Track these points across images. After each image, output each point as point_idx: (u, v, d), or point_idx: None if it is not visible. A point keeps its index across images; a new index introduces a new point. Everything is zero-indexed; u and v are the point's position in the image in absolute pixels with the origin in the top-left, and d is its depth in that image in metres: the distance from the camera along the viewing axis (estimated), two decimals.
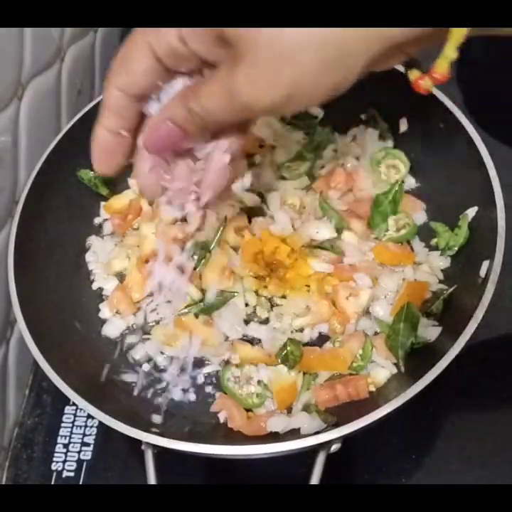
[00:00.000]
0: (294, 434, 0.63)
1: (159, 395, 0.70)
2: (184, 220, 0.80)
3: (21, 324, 0.66)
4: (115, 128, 0.50)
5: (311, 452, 0.57)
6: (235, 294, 0.73)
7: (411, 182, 0.80)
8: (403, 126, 0.81)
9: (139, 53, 0.46)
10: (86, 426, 0.75)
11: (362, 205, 0.78)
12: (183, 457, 0.59)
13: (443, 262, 0.72)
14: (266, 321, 0.73)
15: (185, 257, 0.66)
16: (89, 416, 0.75)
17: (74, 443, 0.74)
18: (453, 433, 0.70)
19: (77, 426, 0.75)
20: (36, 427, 0.76)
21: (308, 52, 0.39)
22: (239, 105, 0.42)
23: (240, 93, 0.42)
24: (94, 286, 0.79)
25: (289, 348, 0.67)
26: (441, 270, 0.72)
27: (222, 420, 0.67)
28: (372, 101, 0.80)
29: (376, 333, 0.70)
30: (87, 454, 0.73)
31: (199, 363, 0.72)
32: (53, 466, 0.72)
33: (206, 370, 0.71)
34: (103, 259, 0.80)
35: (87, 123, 0.81)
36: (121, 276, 0.79)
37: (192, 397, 0.70)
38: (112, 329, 0.75)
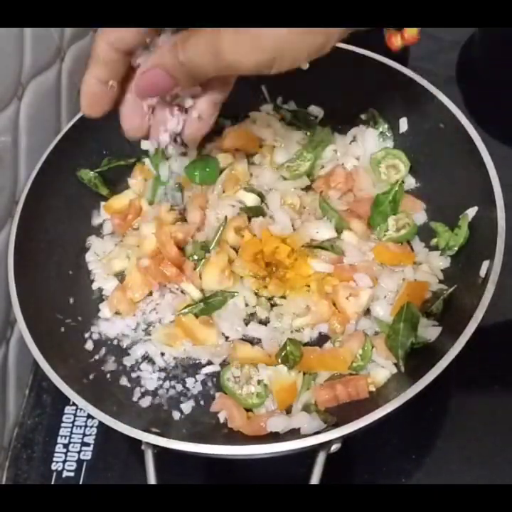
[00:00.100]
0: (294, 434, 0.63)
1: (159, 395, 0.70)
2: (184, 220, 0.80)
3: (21, 324, 0.66)
4: (104, 78, 0.54)
5: (311, 452, 0.57)
6: (235, 294, 0.73)
7: (411, 182, 0.80)
8: (403, 126, 0.81)
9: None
10: (86, 426, 0.75)
11: (362, 205, 0.78)
12: (183, 457, 0.59)
13: (443, 262, 0.72)
14: (266, 321, 0.73)
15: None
16: (89, 416, 0.75)
17: (74, 443, 0.74)
18: (453, 433, 0.70)
19: (77, 426, 0.75)
20: (36, 427, 0.76)
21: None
22: (223, 63, 0.47)
23: (225, 53, 0.46)
24: (94, 286, 0.79)
25: (288, 348, 0.67)
26: (441, 270, 0.72)
27: (222, 420, 0.67)
28: (372, 101, 0.80)
29: (376, 333, 0.70)
30: (87, 454, 0.73)
31: (199, 363, 0.72)
32: (53, 466, 0.72)
33: (206, 370, 0.71)
34: (103, 259, 0.80)
35: (87, 123, 0.82)
36: (121, 276, 0.79)
37: (192, 397, 0.70)
38: (112, 329, 0.75)
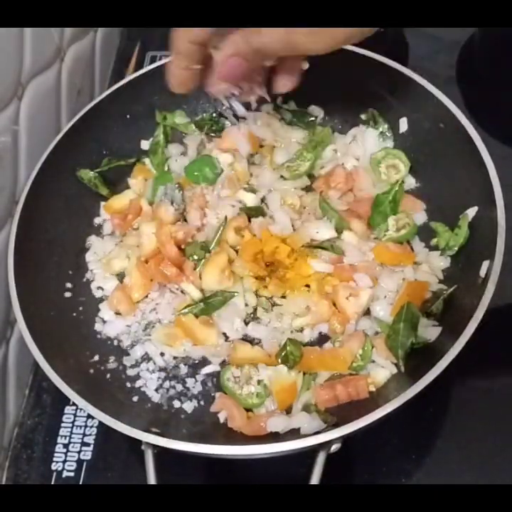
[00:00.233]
0: (294, 434, 0.63)
1: (159, 395, 0.70)
2: (184, 220, 0.80)
3: (21, 324, 0.66)
4: (185, 66, 0.62)
5: (311, 452, 0.57)
6: (235, 294, 0.73)
7: (411, 182, 0.80)
8: (403, 126, 0.81)
9: None
10: (86, 426, 0.75)
11: (362, 205, 0.78)
12: (183, 457, 0.59)
13: (443, 262, 0.72)
14: (266, 321, 0.73)
15: None
16: (89, 416, 0.75)
17: (74, 443, 0.74)
18: (453, 433, 0.70)
19: (77, 426, 0.75)
20: (36, 427, 0.76)
21: None
22: (294, 48, 0.56)
23: (299, 41, 0.55)
24: (94, 286, 0.79)
25: (288, 348, 0.67)
26: (442, 270, 0.72)
27: (222, 420, 0.67)
28: (372, 101, 0.80)
29: (376, 333, 0.70)
30: (87, 454, 0.73)
31: (199, 363, 0.72)
32: (53, 466, 0.72)
33: (206, 370, 0.71)
34: (103, 259, 0.80)
35: (87, 123, 0.82)
36: (121, 276, 0.79)
37: (192, 397, 0.70)
38: (111, 329, 0.75)
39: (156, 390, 0.71)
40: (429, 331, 0.65)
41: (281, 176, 0.82)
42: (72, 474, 0.72)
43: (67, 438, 0.74)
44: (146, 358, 0.73)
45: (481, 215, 0.69)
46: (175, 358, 0.73)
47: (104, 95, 0.84)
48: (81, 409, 0.74)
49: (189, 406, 0.69)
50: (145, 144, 0.89)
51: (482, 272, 0.64)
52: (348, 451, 0.58)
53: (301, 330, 0.72)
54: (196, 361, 0.72)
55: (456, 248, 0.71)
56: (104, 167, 0.84)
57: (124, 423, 0.59)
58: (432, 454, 0.69)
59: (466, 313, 0.60)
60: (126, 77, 0.86)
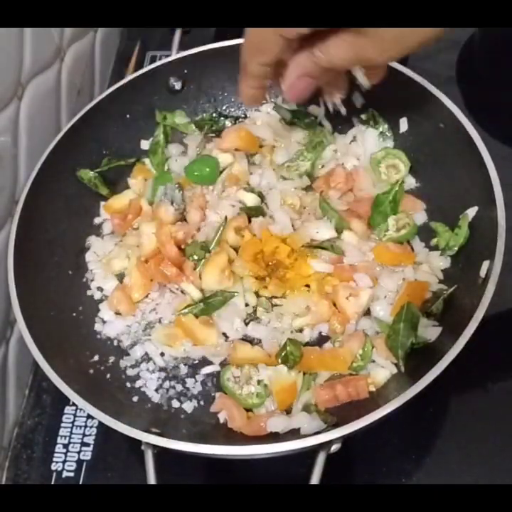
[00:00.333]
0: (294, 434, 0.63)
1: (159, 395, 0.70)
2: (184, 220, 0.80)
3: (21, 324, 0.66)
4: (257, 86, 0.64)
5: (311, 452, 0.57)
6: (235, 294, 0.73)
7: (411, 182, 0.80)
8: (403, 126, 0.81)
9: (273, 42, 0.56)
10: (86, 426, 0.75)
11: (362, 205, 0.78)
12: (183, 457, 0.59)
13: (443, 262, 0.72)
14: (266, 321, 0.73)
15: None
16: (89, 416, 0.75)
17: (74, 443, 0.74)
18: (453, 433, 0.70)
19: (77, 426, 0.75)
20: (36, 427, 0.76)
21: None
22: (360, 59, 0.55)
23: (366, 53, 0.54)
24: (94, 286, 0.79)
25: (288, 348, 0.67)
26: (442, 270, 0.72)
27: (222, 420, 0.67)
28: (372, 101, 0.80)
29: (376, 333, 0.70)
30: (86, 454, 0.73)
31: (199, 363, 0.72)
32: (53, 466, 0.72)
33: (206, 370, 0.71)
34: (103, 259, 0.80)
35: (87, 123, 0.82)
36: (121, 276, 0.79)
37: (192, 397, 0.70)
38: (111, 329, 0.75)
39: (156, 390, 0.71)
40: (429, 331, 0.65)
41: (281, 176, 0.82)
42: (72, 474, 0.72)
43: (67, 438, 0.74)
44: (146, 358, 0.73)
45: (481, 215, 0.69)
46: (175, 358, 0.73)
47: (104, 95, 0.84)
48: (81, 409, 0.74)
49: (189, 406, 0.69)
50: (145, 144, 0.89)
51: (482, 272, 0.64)
52: (348, 451, 0.58)
53: (301, 330, 0.72)
54: (196, 361, 0.72)
55: (456, 248, 0.71)
56: (104, 167, 0.84)
57: (124, 423, 0.59)
58: (432, 454, 0.69)
59: (466, 314, 0.60)
60: (126, 77, 0.86)
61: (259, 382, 0.67)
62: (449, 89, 0.77)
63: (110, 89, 0.84)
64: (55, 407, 0.76)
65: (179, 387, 0.71)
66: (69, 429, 0.75)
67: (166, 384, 0.71)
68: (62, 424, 0.75)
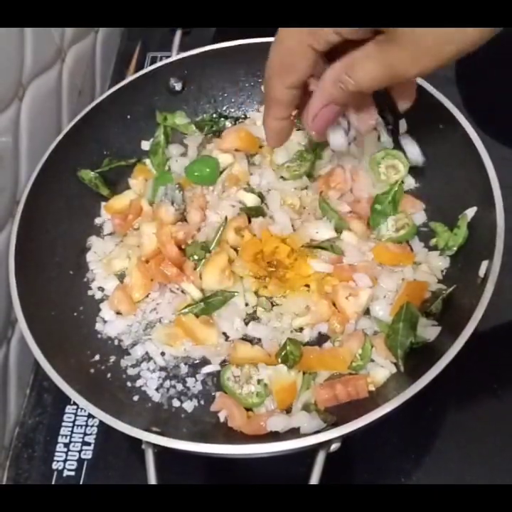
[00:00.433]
0: (294, 433, 0.63)
1: (159, 394, 0.70)
2: (184, 220, 0.81)
3: (22, 324, 0.66)
4: (283, 116, 0.58)
5: (311, 452, 0.57)
6: (235, 294, 0.73)
7: (411, 182, 0.80)
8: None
9: (301, 55, 0.51)
10: (87, 425, 0.75)
11: (362, 205, 0.78)
12: (183, 457, 0.59)
13: (442, 262, 0.73)
14: (266, 321, 0.73)
15: None
16: (90, 415, 0.75)
17: (75, 442, 0.74)
18: (453, 433, 0.70)
19: (77, 425, 0.75)
20: (37, 427, 0.76)
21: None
22: (391, 75, 0.49)
23: (398, 65, 0.48)
24: (95, 286, 0.79)
25: (288, 347, 0.67)
26: (441, 270, 0.72)
27: (222, 420, 0.67)
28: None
29: (376, 333, 0.70)
30: (87, 454, 0.73)
31: (199, 362, 0.72)
32: (54, 466, 0.73)
33: (206, 369, 0.71)
34: (103, 259, 0.80)
35: (88, 124, 0.83)
36: (121, 276, 0.79)
37: (192, 396, 0.70)
38: (112, 329, 0.75)
39: (157, 389, 0.71)
40: (429, 331, 0.65)
41: (281, 176, 0.82)
42: (72, 474, 0.72)
43: (68, 437, 0.74)
44: (147, 357, 0.73)
45: (480, 216, 0.69)
46: (175, 357, 0.73)
47: (104, 96, 0.84)
48: (82, 408, 0.74)
49: (189, 405, 0.69)
50: (145, 145, 0.89)
51: (481, 272, 0.64)
52: (348, 450, 0.58)
53: (301, 330, 0.72)
54: (196, 361, 0.72)
55: (455, 248, 0.71)
56: (105, 167, 0.85)
57: (125, 422, 0.59)
58: (432, 454, 0.69)
59: (465, 313, 0.60)
60: (127, 78, 0.86)
61: (259, 381, 0.68)
62: (449, 89, 0.77)
63: (111, 89, 0.85)
64: (56, 407, 0.77)
65: (179, 387, 0.71)
66: (70, 429, 0.75)
67: (167, 383, 0.71)
68: (63, 424, 0.75)
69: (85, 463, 0.72)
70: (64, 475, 0.72)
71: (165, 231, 0.76)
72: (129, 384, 0.71)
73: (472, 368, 0.70)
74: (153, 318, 0.76)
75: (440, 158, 0.76)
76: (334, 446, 0.57)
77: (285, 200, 0.80)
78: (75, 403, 0.73)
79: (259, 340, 0.72)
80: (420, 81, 0.75)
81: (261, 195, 0.80)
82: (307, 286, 0.73)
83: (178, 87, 0.88)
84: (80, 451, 0.73)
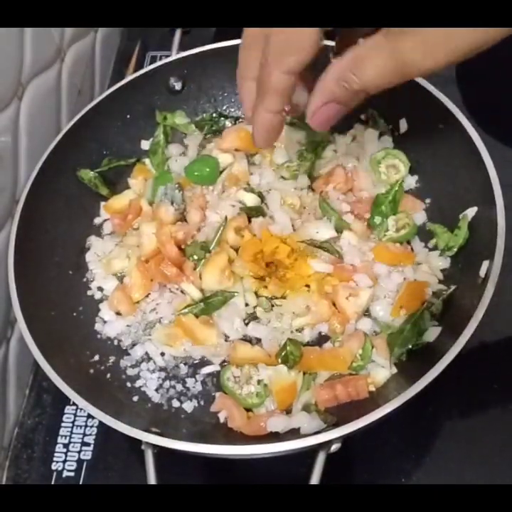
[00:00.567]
0: (294, 434, 0.63)
1: (159, 395, 0.70)
2: (184, 220, 0.80)
3: (21, 324, 0.66)
4: (278, 108, 0.52)
5: (311, 452, 0.57)
6: (235, 294, 0.73)
7: (411, 182, 0.80)
8: (403, 126, 0.81)
9: (303, 33, 0.47)
10: (86, 426, 0.75)
11: (362, 205, 0.78)
12: (183, 457, 0.59)
13: (443, 262, 0.72)
14: (266, 321, 0.73)
15: None
16: (89, 416, 0.75)
17: (74, 443, 0.74)
18: (453, 433, 0.70)
19: (77, 426, 0.75)
20: (36, 427, 0.76)
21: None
22: (402, 70, 0.45)
23: (408, 57, 0.44)
24: (94, 286, 0.79)
25: (288, 348, 0.67)
26: (441, 270, 0.72)
27: (222, 420, 0.67)
28: (372, 101, 0.80)
29: (376, 333, 0.70)
30: (87, 454, 0.73)
31: (199, 363, 0.72)
32: (53, 466, 0.73)
33: (206, 370, 0.71)
34: (103, 259, 0.80)
35: (88, 123, 0.82)
36: (121, 277, 0.79)
37: (192, 397, 0.70)
38: (112, 329, 0.75)
39: (156, 389, 0.71)
40: (429, 331, 0.65)
41: (281, 176, 0.82)
42: (72, 474, 0.72)
43: (68, 438, 0.74)
44: (146, 357, 0.73)
45: (480, 216, 0.69)
46: (175, 358, 0.73)
47: (104, 95, 0.84)
48: (81, 409, 0.74)
49: (189, 406, 0.69)
50: (145, 144, 0.89)
51: (482, 272, 0.64)
52: (348, 451, 0.58)
53: (301, 330, 0.72)
54: (196, 361, 0.72)
55: (455, 248, 0.71)
56: (105, 167, 0.84)
57: (124, 423, 0.59)
58: (432, 454, 0.69)
59: (465, 314, 0.60)
60: (127, 77, 0.86)
61: (259, 382, 0.68)
62: (449, 89, 0.77)
63: (110, 89, 0.84)
64: (56, 407, 0.76)
65: (179, 387, 0.71)
66: (69, 429, 0.75)
67: (166, 384, 0.71)
68: (63, 424, 0.75)
69: (85, 463, 0.72)
70: (63, 475, 0.72)
71: (165, 231, 0.76)
72: (128, 384, 0.71)
73: (472, 368, 0.70)
74: (153, 318, 0.75)
75: (440, 158, 0.76)
76: (334, 447, 0.57)
77: (285, 200, 0.79)
78: (74, 403, 0.73)
79: (259, 340, 0.72)
80: (420, 81, 0.75)
81: (261, 195, 0.80)
82: (307, 286, 0.73)
83: (177, 86, 0.88)
84: (79, 452, 0.73)
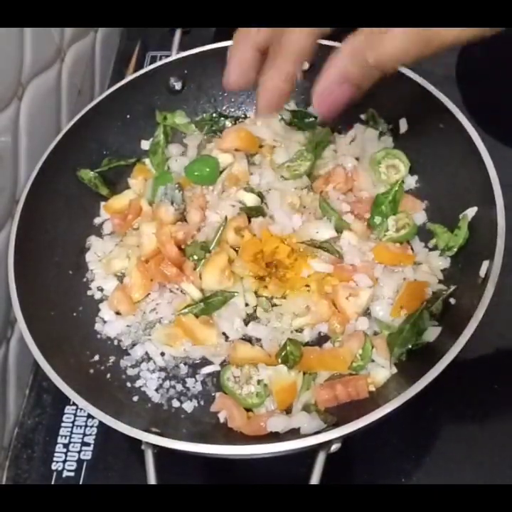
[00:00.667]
0: (294, 434, 0.63)
1: (159, 395, 0.70)
2: (184, 220, 0.80)
3: (21, 324, 0.66)
4: (292, 72, 0.49)
5: (311, 452, 0.57)
6: (235, 294, 0.73)
7: (411, 182, 0.80)
8: (403, 126, 0.81)
9: None
10: (86, 426, 0.75)
11: (362, 205, 0.78)
12: (183, 457, 0.59)
13: (443, 262, 0.72)
14: (266, 321, 0.73)
15: None
16: (89, 416, 0.75)
17: (74, 443, 0.74)
18: (453, 433, 0.70)
19: (77, 426, 0.75)
20: (36, 427, 0.76)
21: None
22: (425, 44, 0.42)
23: (434, 30, 0.42)
24: (94, 286, 0.79)
25: (288, 348, 0.67)
26: (441, 270, 0.72)
27: (222, 420, 0.67)
28: (372, 101, 0.80)
29: (376, 333, 0.70)
30: (87, 454, 0.73)
31: (199, 363, 0.72)
32: (53, 466, 0.72)
33: (206, 370, 0.71)
34: (103, 259, 0.80)
35: (88, 123, 0.82)
36: (121, 277, 0.79)
37: (192, 397, 0.70)
38: (112, 329, 0.75)
39: (156, 389, 0.71)
40: (429, 331, 0.65)
41: (281, 176, 0.82)
42: (72, 474, 0.72)
43: (68, 438, 0.74)
44: (146, 357, 0.73)
45: (480, 215, 0.69)
46: (175, 358, 0.73)
47: (104, 95, 0.84)
48: (81, 409, 0.74)
49: (189, 406, 0.69)
50: (145, 144, 0.89)
51: (482, 272, 0.64)
52: (348, 451, 0.58)
53: (301, 330, 0.72)
54: (196, 361, 0.72)
55: (455, 249, 0.71)
56: (105, 167, 0.84)
57: (124, 423, 0.59)
58: (432, 454, 0.69)
59: (465, 314, 0.60)
60: (127, 77, 0.86)
61: (259, 382, 0.68)
62: (449, 89, 0.77)
63: (110, 89, 0.84)
64: (56, 407, 0.76)
65: (179, 387, 0.71)
66: (69, 429, 0.75)
67: (166, 384, 0.71)
68: (63, 424, 0.75)
69: (85, 463, 0.72)
70: (63, 475, 0.72)
71: (165, 231, 0.76)
72: (128, 384, 0.71)
73: (472, 368, 0.70)
74: (153, 318, 0.75)
75: (440, 158, 0.76)
76: (334, 447, 0.56)
77: (285, 200, 0.79)
78: (74, 403, 0.73)
79: (259, 340, 0.72)
80: (420, 81, 0.75)
81: (261, 195, 0.80)
82: (307, 286, 0.73)
83: (177, 86, 0.88)
84: (79, 452, 0.73)
